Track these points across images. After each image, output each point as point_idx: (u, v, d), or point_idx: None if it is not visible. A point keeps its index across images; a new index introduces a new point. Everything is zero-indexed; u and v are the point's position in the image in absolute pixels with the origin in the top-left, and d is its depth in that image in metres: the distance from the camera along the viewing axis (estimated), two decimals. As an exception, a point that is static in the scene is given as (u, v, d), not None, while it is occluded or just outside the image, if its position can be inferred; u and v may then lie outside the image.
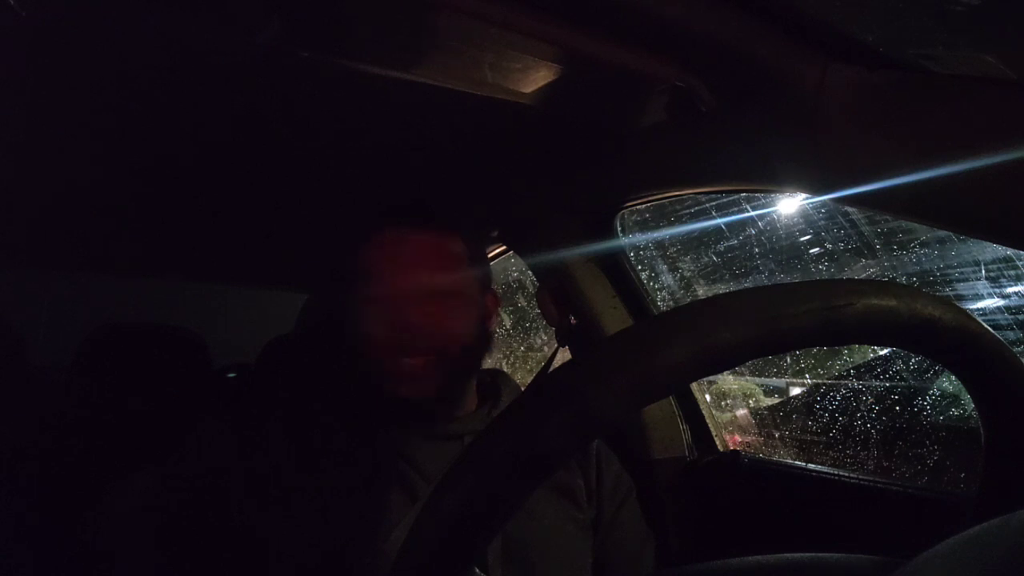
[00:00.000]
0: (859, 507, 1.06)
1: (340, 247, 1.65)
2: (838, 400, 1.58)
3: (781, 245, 1.54)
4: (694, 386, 1.42)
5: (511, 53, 0.81)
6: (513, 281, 2.41)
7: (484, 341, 0.95)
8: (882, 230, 1.34)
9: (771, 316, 0.33)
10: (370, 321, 0.86)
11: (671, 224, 1.50)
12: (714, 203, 1.39)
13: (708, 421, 1.41)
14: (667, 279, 1.68)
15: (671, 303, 1.62)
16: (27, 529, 1.15)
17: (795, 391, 1.84)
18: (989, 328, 0.40)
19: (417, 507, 0.84)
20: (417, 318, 0.85)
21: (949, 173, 0.67)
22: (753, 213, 1.44)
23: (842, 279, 0.40)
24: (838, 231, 1.42)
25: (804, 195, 1.08)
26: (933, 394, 1.40)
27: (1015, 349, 0.41)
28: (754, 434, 1.70)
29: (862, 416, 1.49)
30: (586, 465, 0.99)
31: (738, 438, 1.64)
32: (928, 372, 1.41)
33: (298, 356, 1.70)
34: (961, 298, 1.22)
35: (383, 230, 0.90)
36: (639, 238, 1.51)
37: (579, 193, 1.34)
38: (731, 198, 1.34)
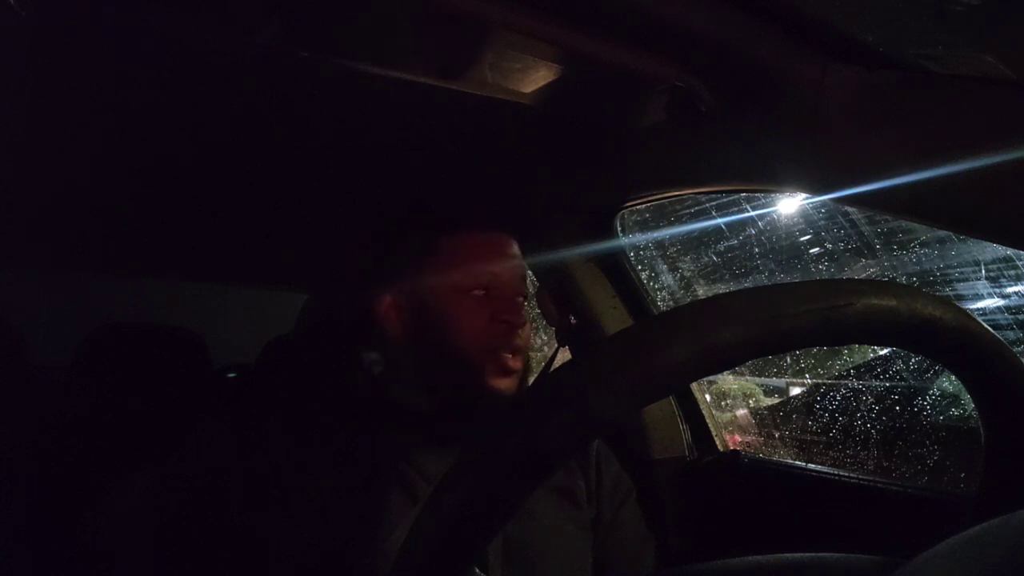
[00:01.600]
0: (859, 507, 1.06)
1: (341, 247, 1.66)
2: (838, 400, 1.58)
3: (781, 245, 1.54)
4: (694, 386, 1.42)
5: (511, 53, 0.81)
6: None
7: None
8: (882, 230, 1.34)
9: (771, 316, 0.33)
10: (481, 319, 0.89)
11: (671, 224, 1.50)
12: (714, 203, 1.39)
13: (708, 421, 1.41)
14: (667, 279, 1.68)
15: (671, 303, 1.62)
16: (27, 529, 1.15)
17: (795, 391, 1.84)
18: (989, 328, 0.40)
19: (417, 507, 0.84)
20: (522, 319, 0.91)
21: (949, 173, 0.67)
22: (753, 213, 1.44)
23: (842, 279, 0.40)
24: (838, 231, 1.42)
25: (804, 195, 1.08)
26: (933, 394, 1.40)
27: (1015, 349, 0.41)
28: (754, 434, 1.70)
29: (862, 416, 1.49)
30: (586, 465, 0.99)
31: (738, 438, 1.64)
32: (928, 372, 1.41)
33: (298, 356, 1.70)
34: (961, 298, 1.22)
35: (481, 231, 0.94)
36: (639, 238, 1.51)
37: (579, 193, 1.34)
38: (731, 198, 1.34)
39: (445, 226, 0.94)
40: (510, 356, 0.90)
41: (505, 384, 0.90)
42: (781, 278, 1.59)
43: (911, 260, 1.31)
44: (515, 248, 0.97)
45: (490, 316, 0.90)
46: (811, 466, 1.18)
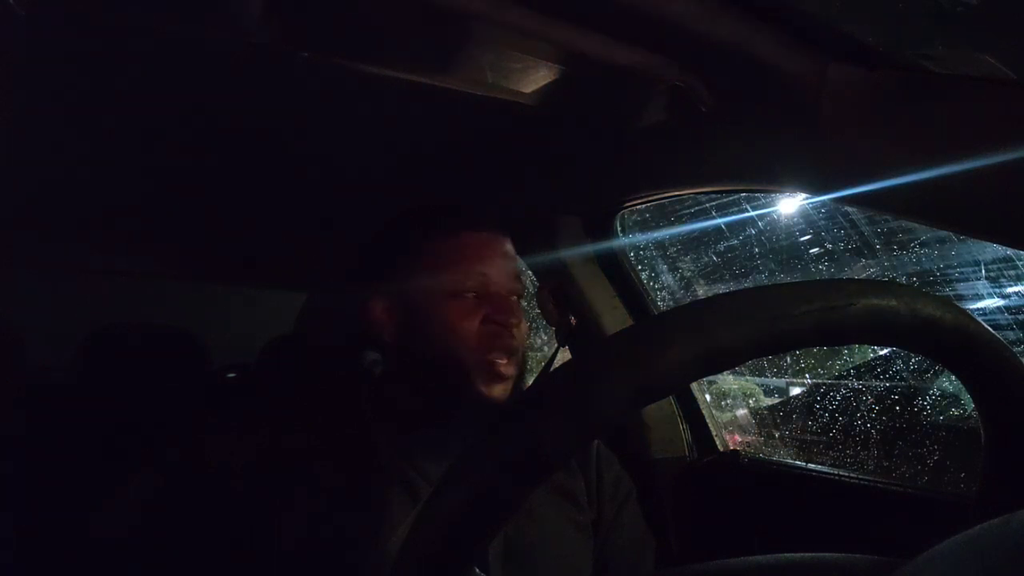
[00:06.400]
0: (859, 507, 1.06)
1: (340, 248, 1.66)
2: (838, 400, 1.58)
3: (781, 245, 1.55)
4: (694, 386, 1.42)
5: (511, 53, 0.81)
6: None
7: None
8: (882, 230, 1.34)
9: (771, 316, 0.33)
10: (471, 321, 0.86)
11: (671, 224, 1.51)
12: (714, 203, 1.39)
13: (708, 421, 1.41)
14: (667, 279, 1.68)
15: (671, 303, 1.62)
16: (27, 529, 1.15)
17: (795, 391, 1.84)
18: (989, 328, 0.40)
19: (418, 507, 0.84)
20: (516, 319, 0.88)
21: (949, 173, 0.67)
22: (753, 213, 1.44)
23: (842, 279, 0.40)
24: (838, 231, 1.42)
25: (804, 195, 1.08)
26: (933, 394, 1.40)
27: (1015, 349, 0.41)
28: (754, 434, 1.70)
29: (862, 416, 1.49)
30: (586, 466, 0.99)
31: (738, 438, 1.64)
32: (928, 372, 1.41)
33: (298, 356, 1.70)
34: (961, 298, 1.22)
35: (472, 230, 0.90)
36: (639, 238, 1.51)
37: (579, 193, 1.34)
38: (731, 198, 1.35)
39: (434, 226, 0.91)
40: (503, 361, 0.86)
41: (497, 391, 0.86)
42: (781, 278, 1.59)
43: (911, 260, 1.31)
44: (507, 246, 0.93)
45: (481, 318, 0.86)
46: (811, 466, 1.18)
